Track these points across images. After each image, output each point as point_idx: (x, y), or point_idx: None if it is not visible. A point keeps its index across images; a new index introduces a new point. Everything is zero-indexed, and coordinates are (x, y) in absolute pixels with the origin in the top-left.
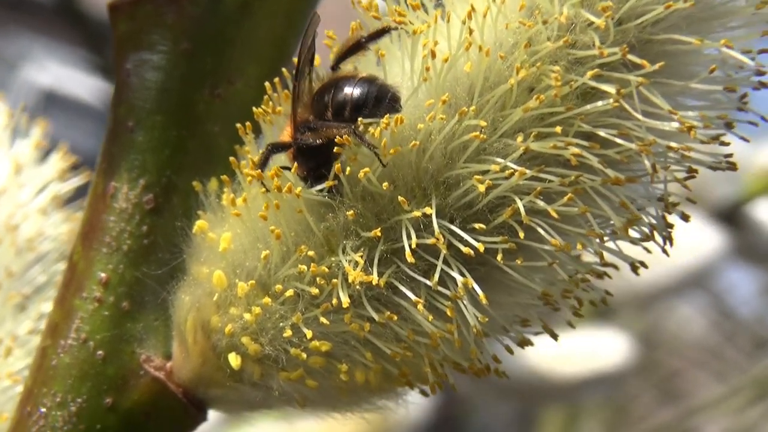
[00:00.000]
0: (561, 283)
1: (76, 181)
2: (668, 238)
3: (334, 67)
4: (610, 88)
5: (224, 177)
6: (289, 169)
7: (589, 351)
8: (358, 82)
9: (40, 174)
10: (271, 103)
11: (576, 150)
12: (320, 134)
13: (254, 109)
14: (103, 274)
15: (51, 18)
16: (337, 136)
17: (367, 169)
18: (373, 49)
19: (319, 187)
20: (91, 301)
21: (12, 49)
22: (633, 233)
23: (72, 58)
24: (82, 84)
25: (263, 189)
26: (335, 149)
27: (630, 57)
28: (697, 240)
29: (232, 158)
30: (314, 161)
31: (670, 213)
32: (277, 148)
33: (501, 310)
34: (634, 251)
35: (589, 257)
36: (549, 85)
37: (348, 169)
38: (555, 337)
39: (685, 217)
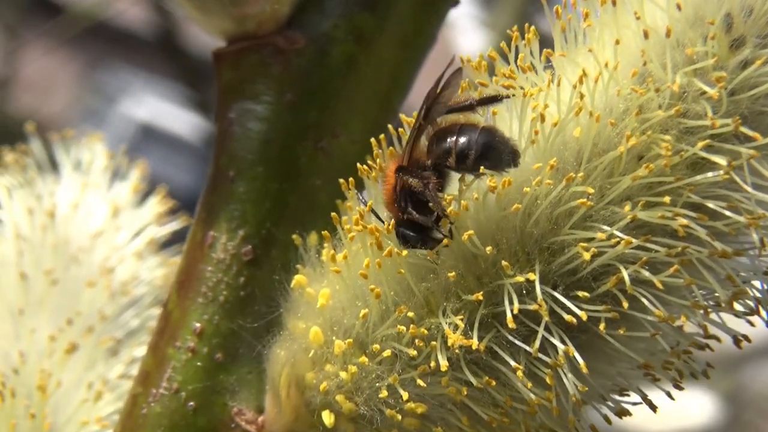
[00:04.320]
0: (662, 353)
1: (173, 226)
2: None
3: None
4: (721, 160)
5: (325, 232)
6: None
7: (675, 409)
8: (482, 132)
9: (137, 217)
10: (378, 159)
11: (684, 221)
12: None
13: (359, 165)
14: (198, 325)
15: (150, 53)
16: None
17: (471, 231)
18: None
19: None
20: (184, 351)
21: (111, 83)
22: (738, 306)
23: (170, 93)
24: (179, 119)
25: (368, 244)
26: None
27: (742, 129)
28: None
29: (333, 214)
30: (418, 226)
31: None
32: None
33: (600, 379)
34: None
35: (691, 328)
36: (659, 155)
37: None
38: (654, 408)
39: None
